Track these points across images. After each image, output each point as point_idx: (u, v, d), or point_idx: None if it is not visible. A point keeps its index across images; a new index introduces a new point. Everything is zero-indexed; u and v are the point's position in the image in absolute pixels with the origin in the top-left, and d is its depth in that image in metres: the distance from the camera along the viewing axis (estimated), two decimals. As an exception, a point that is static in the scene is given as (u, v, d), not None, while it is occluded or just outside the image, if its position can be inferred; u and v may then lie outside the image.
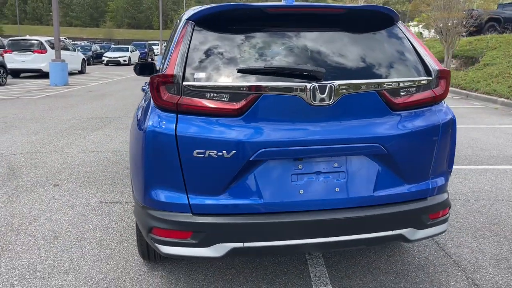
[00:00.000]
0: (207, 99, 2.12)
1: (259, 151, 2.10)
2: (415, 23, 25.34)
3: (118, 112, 9.37)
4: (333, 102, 2.15)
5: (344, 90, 2.15)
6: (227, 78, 2.16)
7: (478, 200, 4.21)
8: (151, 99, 2.24)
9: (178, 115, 2.14)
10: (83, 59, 22.72)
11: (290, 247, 2.22)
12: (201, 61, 2.19)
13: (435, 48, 22.28)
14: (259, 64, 2.18)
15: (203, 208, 2.15)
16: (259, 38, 2.31)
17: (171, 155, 2.12)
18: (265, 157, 2.13)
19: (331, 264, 2.95)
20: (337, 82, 2.14)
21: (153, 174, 2.19)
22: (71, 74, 18.44)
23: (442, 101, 2.49)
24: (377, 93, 2.22)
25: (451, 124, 2.44)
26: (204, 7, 2.35)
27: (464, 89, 13.24)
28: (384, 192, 2.28)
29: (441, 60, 19.40)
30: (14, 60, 18.27)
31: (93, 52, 31.97)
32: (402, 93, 2.29)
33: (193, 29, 2.28)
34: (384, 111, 2.25)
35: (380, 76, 2.27)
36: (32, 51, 18.53)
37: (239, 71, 2.15)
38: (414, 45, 2.44)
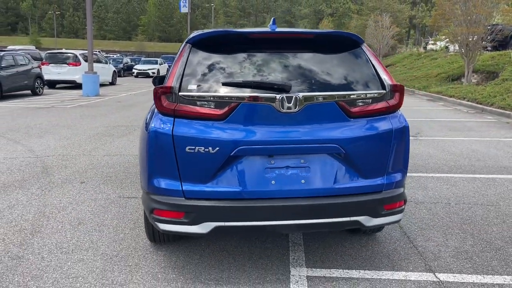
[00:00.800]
0: (197, 106, 2.68)
1: (238, 148, 2.64)
2: (443, 36, 25.41)
3: (143, 121, 10.06)
4: (298, 110, 2.66)
5: (307, 101, 2.67)
6: (214, 89, 2.71)
7: (459, 204, 4.60)
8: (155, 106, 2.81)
9: (175, 118, 2.70)
10: (114, 71, 23.86)
11: (263, 227, 2.73)
12: (194, 76, 2.75)
13: (457, 62, 22.39)
14: (240, 79, 2.72)
15: (194, 194, 2.69)
16: (242, 57, 2.85)
17: (168, 150, 2.67)
18: (243, 153, 2.66)
19: (309, 250, 3.43)
20: (301, 94, 2.66)
21: (155, 166, 2.74)
22: (102, 85, 19.47)
23: (398, 111, 2.96)
24: (335, 103, 2.72)
25: (404, 131, 2.91)
26: (200, 32, 2.92)
27: (480, 104, 13.42)
28: (343, 185, 2.77)
29: (461, 75, 19.51)
30: (50, 72, 19.48)
31: (124, 64, 33.35)
32: (358, 103, 2.79)
33: (190, 50, 2.85)
34: (342, 118, 2.75)
35: (339, 89, 2.77)
36: (67, 64, 19.69)
37: (223, 84, 2.70)
38: (374, 64, 2.93)
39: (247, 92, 2.67)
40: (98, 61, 21.57)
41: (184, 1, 33.34)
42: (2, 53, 15.80)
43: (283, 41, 2.95)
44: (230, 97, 2.65)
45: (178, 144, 2.65)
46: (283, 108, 2.65)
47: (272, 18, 3.14)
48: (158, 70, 32.03)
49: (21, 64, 16.11)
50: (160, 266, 3.17)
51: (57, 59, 19.96)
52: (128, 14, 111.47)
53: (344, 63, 2.93)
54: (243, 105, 2.65)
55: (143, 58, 37.12)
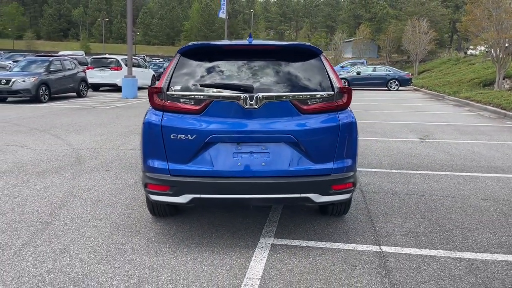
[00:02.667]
0: (180, 102, 3.42)
1: (211, 136, 3.36)
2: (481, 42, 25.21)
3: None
4: (259, 107, 3.35)
5: (266, 99, 3.35)
6: (193, 89, 3.44)
7: (432, 196, 5.10)
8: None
9: (163, 112, 3.45)
10: (153, 75, 25.22)
11: (231, 199, 3.43)
12: (180, 79, 3.50)
13: (492, 68, 22.15)
14: (215, 81, 3.45)
15: (177, 171, 3.43)
16: (219, 64, 3.58)
17: (158, 137, 3.43)
18: (215, 140, 3.38)
19: (282, 226, 4.09)
20: (261, 94, 3.35)
21: (148, 150, 3.51)
22: (141, 88, 20.73)
23: (347, 109, 3.59)
24: (289, 101, 3.40)
25: (351, 126, 3.54)
26: (190, 44, 3.66)
27: (504, 109, 13.49)
28: (296, 167, 3.42)
29: (494, 81, 19.37)
30: (94, 76, 20.99)
31: (164, 69, 34.89)
32: (309, 102, 3.44)
33: (179, 58, 3.60)
34: (295, 114, 3.42)
35: (294, 91, 3.44)
36: (109, 68, 21.15)
37: (201, 85, 3.44)
38: (327, 70, 3.58)
39: (218, 92, 3.39)
40: (138, 65, 23.00)
41: (222, 8, 34.56)
42: (51, 58, 17.32)
43: (254, 52, 3.65)
44: (205, 96, 3.39)
45: (165, 132, 3.40)
46: (246, 105, 3.34)
47: (249, 32, 3.85)
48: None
49: (68, 69, 17.58)
50: (156, 232, 3.93)
51: (101, 64, 21.45)
52: (172, 20, 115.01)
53: (303, 70, 3.59)
54: (215, 102, 3.38)
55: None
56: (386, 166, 6.56)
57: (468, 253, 3.57)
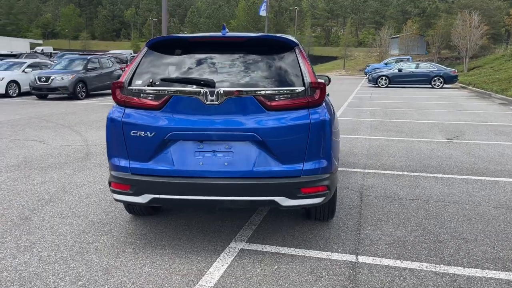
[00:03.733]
0: (140, 98, 3.27)
1: (170, 133, 3.18)
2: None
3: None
4: (220, 103, 3.14)
5: (227, 95, 3.13)
6: (154, 84, 3.28)
7: (437, 201, 4.68)
8: (116, 98, 3.46)
9: (125, 108, 3.32)
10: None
11: (192, 201, 3.24)
12: (143, 73, 3.34)
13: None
14: (176, 75, 3.26)
15: (137, 170, 3.29)
16: (184, 57, 3.39)
17: (119, 134, 3.30)
18: (175, 138, 3.20)
19: (260, 229, 3.85)
20: (222, 89, 3.13)
21: (111, 147, 3.39)
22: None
23: (320, 106, 3.30)
24: (253, 97, 3.15)
25: (323, 124, 3.24)
26: (157, 36, 3.50)
27: (552, 108, 12.43)
28: (261, 168, 3.18)
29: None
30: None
31: None
32: (276, 98, 3.18)
33: (146, 52, 3.45)
34: (260, 110, 3.17)
35: (260, 86, 3.19)
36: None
37: (162, 79, 3.27)
38: (300, 64, 3.30)
39: (178, 87, 3.21)
40: None
41: (263, 5, 34.36)
42: (89, 56, 17.86)
43: (224, 45, 3.44)
44: (164, 91, 3.21)
45: (125, 129, 3.27)
46: (207, 101, 3.14)
47: (223, 24, 3.64)
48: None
49: (106, 67, 18.08)
50: (127, 232, 3.81)
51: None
52: (218, 19, 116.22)
53: (274, 63, 3.33)
54: (175, 97, 3.20)
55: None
56: (398, 168, 6.14)
57: (455, 267, 3.18)
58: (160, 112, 3.24)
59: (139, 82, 3.31)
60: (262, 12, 35.58)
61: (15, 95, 17.08)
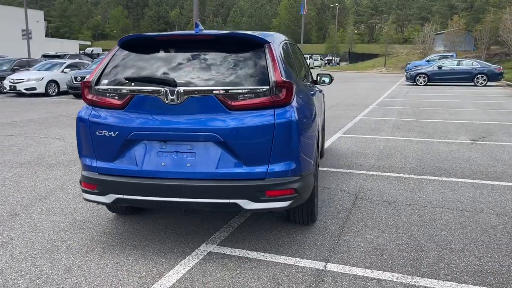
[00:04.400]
0: (106, 97, 3.26)
1: (132, 133, 3.15)
2: None
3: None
4: (181, 102, 3.07)
5: (188, 94, 3.05)
6: (119, 83, 3.25)
7: (436, 207, 4.40)
8: (88, 98, 3.46)
9: (93, 107, 3.32)
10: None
11: (155, 202, 3.20)
12: (111, 72, 3.33)
13: None
14: (139, 74, 3.22)
15: (103, 170, 3.28)
16: (151, 56, 3.35)
17: (87, 134, 3.30)
18: (137, 138, 3.16)
19: (237, 232, 3.76)
20: (182, 88, 3.05)
21: (81, 146, 3.40)
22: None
23: (288, 105, 3.15)
24: (215, 97, 3.06)
25: (290, 125, 3.09)
26: (127, 35, 3.48)
27: None
28: (224, 170, 3.09)
29: None
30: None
31: None
32: (239, 98, 3.07)
33: (115, 51, 3.44)
34: (221, 110, 3.07)
35: (221, 85, 3.09)
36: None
37: (126, 78, 3.24)
38: (268, 62, 3.17)
39: (140, 86, 3.17)
40: None
41: (303, 4, 34.05)
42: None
43: (191, 43, 3.36)
44: (127, 90, 3.18)
45: (92, 128, 3.27)
46: (167, 100, 3.08)
47: (195, 22, 3.56)
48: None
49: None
50: (104, 231, 3.83)
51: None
52: (260, 18, 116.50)
53: (240, 61, 3.22)
54: (137, 96, 3.16)
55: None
56: (407, 170, 5.84)
57: (428, 280, 2.96)
58: (123, 112, 3.21)
59: (106, 81, 3.30)
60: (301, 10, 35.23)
61: (54, 94, 17.83)
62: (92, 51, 55.34)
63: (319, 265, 3.18)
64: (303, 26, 34.51)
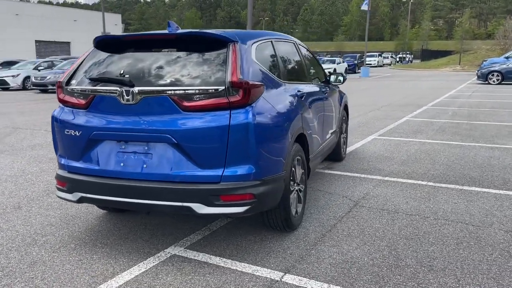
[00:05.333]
0: (73, 97, 3.32)
1: (93, 133, 3.18)
2: None
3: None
4: (136, 102, 3.04)
5: (142, 94, 3.02)
6: (84, 83, 3.30)
7: (438, 219, 4.00)
8: (65, 97, 3.56)
9: (64, 107, 3.40)
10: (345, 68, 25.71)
11: (115, 202, 3.20)
12: (81, 72, 3.39)
13: None
14: (101, 75, 3.24)
15: (71, 168, 3.35)
16: (117, 56, 3.35)
17: (57, 132, 3.40)
18: (98, 137, 3.19)
19: (211, 236, 3.67)
20: (136, 88, 3.02)
21: (55, 145, 3.50)
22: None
23: (246, 107, 3.00)
24: (168, 97, 2.99)
25: (247, 127, 2.95)
26: (99, 36, 3.52)
27: None
28: (178, 172, 3.02)
29: None
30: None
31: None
32: (194, 98, 2.98)
33: (90, 51, 3.50)
34: (175, 111, 2.99)
35: (177, 85, 3.02)
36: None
37: (90, 79, 3.27)
38: (229, 62, 3.05)
39: (100, 86, 3.19)
40: None
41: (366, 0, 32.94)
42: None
43: (157, 42, 3.32)
44: (89, 90, 3.22)
45: (62, 127, 3.35)
46: (123, 100, 3.07)
47: (168, 21, 3.51)
48: (335, 69, 32.58)
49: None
50: (87, 227, 3.92)
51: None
52: (331, 16, 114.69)
53: (200, 61, 3.13)
54: (98, 97, 3.19)
55: (324, 58, 38.23)
56: (428, 177, 5.40)
57: (385, 300, 2.68)
58: (86, 111, 3.26)
59: (74, 81, 3.37)
60: (364, 7, 34.13)
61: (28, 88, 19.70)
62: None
63: (277, 275, 3.00)
64: (368, 23, 33.34)
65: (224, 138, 2.96)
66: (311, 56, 5.27)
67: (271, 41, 3.89)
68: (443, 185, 5.05)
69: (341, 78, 5.51)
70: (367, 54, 50.23)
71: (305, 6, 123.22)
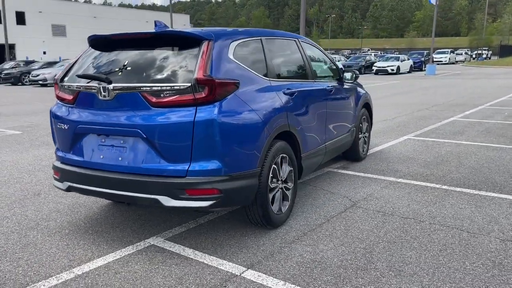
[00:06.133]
0: (65, 93, 3.57)
1: (78, 127, 3.41)
2: None
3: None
4: (111, 98, 3.22)
5: (117, 91, 3.18)
6: (73, 80, 3.53)
7: (434, 224, 3.81)
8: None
9: (58, 102, 3.67)
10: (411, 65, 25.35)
11: (97, 192, 3.40)
12: (74, 69, 3.63)
13: None
14: (85, 72, 3.46)
15: (63, 160, 3.61)
16: (104, 54, 3.55)
17: (52, 125, 3.68)
18: (83, 131, 3.41)
19: (194, 230, 3.78)
20: (112, 85, 3.19)
21: (53, 137, 3.79)
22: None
23: (212, 104, 3.06)
24: (139, 93, 3.13)
25: (211, 123, 3.02)
26: (92, 35, 3.72)
27: None
28: (148, 165, 3.15)
29: None
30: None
31: (366, 62, 34.10)
32: (162, 95, 3.09)
33: (86, 49, 3.74)
34: (145, 107, 3.13)
35: (147, 82, 3.14)
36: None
37: (77, 76, 3.49)
38: (198, 59, 3.13)
39: (82, 83, 3.41)
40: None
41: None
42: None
43: (137, 41, 3.49)
44: (75, 86, 3.45)
45: (56, 121, 3.62)
46: (101, 96, 3.26)
47: (155, 21, 3.65)
48: (398, 67, 31.42)
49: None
50: (87, 214, 4.19)
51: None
52: (402, 11, 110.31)
53: (172, 59, 3.25)
54: (81, 93, 3.41)
55: (387, 55, 36.94)
56: (445, 180, 5.12)
57: (333, 302, 2.62)
58: (72, 107, 3.50)
59: (66, 78, 3.62)
60: (432, 0, 32.49)
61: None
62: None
63: (238, 270, 3.04)
64: (436, 18, 31.71)
65: (190, 134, 3.04)
66: (321, 54, 5.20)
67: (261, 40, 3.90)
68: (458, 189, 4.76)
69: (351, 75, 5.39)
70: (438, 50, 47.82)
71: (374, 2, 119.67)
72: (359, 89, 5.94)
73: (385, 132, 8.43)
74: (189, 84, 3.05)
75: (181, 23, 61.02)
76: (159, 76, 3.19)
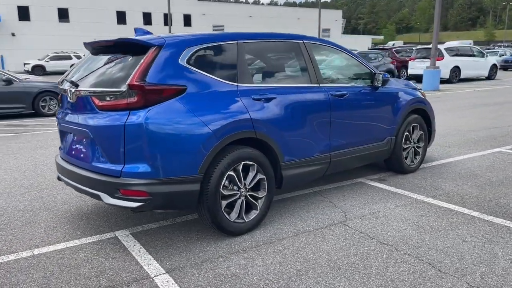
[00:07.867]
0: (59, 95, 4.05)
1: (60, 124, 3.85)
2: None
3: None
4: (74, 101, 3.55)
5: (77, 94, 3.50)
6: (62, 83, 3.97)
7: (409, 255, 3.25)
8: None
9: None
10: (494, 64, 22.18)
11: (67, 183, 3.78)
12: (70, 73, 4.08)
13: None
14: (69, 76, 3.84)
15: (60, 153, 4.10)
16: (86, 59, 3.91)
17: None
18: (62, 129, 3.85)
19: (165, 227, 3.93)
20: (73, 89, 3.52)
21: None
22: (476, 80, 20.16)
23: (145, 109, 3.16)
24: (89, 97, 3.39)
25: (139, 128, 3.14)
26: (85, 42, 4.11)
27: None
28: (95, 163, 3.41)
29: None
30: (415, 67, 20.74)
31: (500, 56, 29.33)
32: (104, 99, 3.30)
33: (86, 54, 4.17)
34: (93, 109, 3.37)
35: (97, 86, 3.38)
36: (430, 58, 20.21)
37: (64, 79, 3.92)
38: (136, 66, 3.26)
39: (62, 86, 3.82)
40: (471, 54, 21.14)
41: None
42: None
43: (105, 48, 3.78)
44: (60, 89, 3.90)
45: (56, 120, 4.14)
46: (69, 99, 3.62)
47: (134, 28, 3.87)
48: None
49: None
50: (79, 205, 4.60)
51: (423, 54, 20.77)
52: None
53: (122, 65, 3.44)
54: (62, 95, 3.84)
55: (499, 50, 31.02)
56: (485, 207, 4.28)
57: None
58: (60, 107, 3.95)
59: (61, 81, 4.10)
60: None
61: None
62: (393, 44, 56.37)
63: (156, 272, 3.09)
64: (507, 12, 25.35)
65: (121, 137, 3.19)
66: (343, 56, 4.79)
67: (237, 44, 3.80)
68: (488, 218, 3.93)
69: (379, 78, 4.85)
70: None
71: None
72: (403, 93, 5.27)
73: (477, 142, 7.27)
74: (123, 90, 3.20)
75: (333, 19, 60.78)
76: (107, 81, 3.42)
